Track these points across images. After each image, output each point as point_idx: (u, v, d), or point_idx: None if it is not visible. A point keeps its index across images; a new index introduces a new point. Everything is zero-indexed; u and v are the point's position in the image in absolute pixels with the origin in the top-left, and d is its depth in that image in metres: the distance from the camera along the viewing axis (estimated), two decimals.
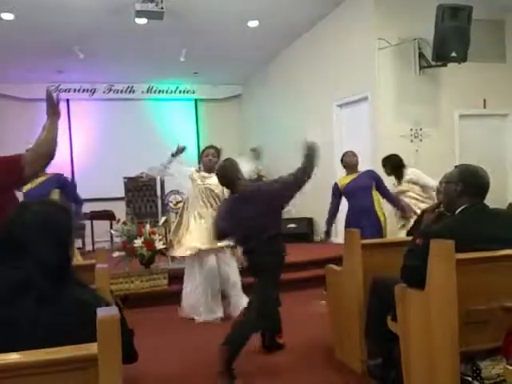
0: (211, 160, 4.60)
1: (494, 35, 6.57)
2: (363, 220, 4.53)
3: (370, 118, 6.38)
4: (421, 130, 6.23)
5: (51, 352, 1.18)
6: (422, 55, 6.11)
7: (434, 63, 5.99)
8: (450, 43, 5.65)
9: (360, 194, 4.77)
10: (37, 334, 1.28)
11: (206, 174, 4.67)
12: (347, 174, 4.93)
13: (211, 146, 4.73)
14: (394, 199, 4.87)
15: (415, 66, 6.17)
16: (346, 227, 4.63)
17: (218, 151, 4.70)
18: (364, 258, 3.08)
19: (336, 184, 4.94)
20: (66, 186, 4.75)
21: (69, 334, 1.29)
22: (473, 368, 2.23)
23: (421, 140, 6.23)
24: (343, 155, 5.02)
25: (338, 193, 4.89)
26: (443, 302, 2.21)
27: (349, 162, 4.89)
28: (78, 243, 8.16)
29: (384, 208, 4.91)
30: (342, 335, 3.32)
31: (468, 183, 2.44)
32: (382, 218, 4.79)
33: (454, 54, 5.68)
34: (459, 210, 2.44)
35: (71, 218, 1.53)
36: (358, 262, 3.07)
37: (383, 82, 6.17)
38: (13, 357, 1.16)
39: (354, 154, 4.92)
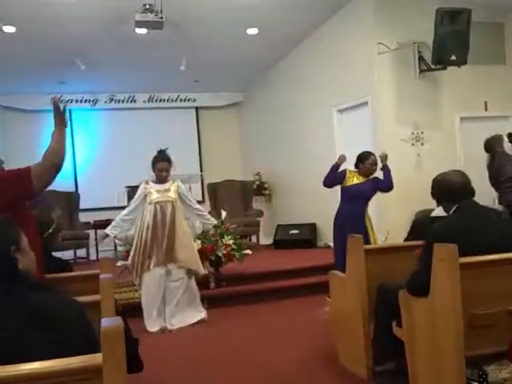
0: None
1: (494, 38, 6.58)
2: (352, 224, 4.54)
3: (370, 122, 6.38)
4: (422, 133, 6.23)
5: (54, 363, 1.17)
6: (421, 59, 6.12)
7: (433, 67, 6.00)
8: (449, 46, 5.66)
9: (358, 200, 4.78)
10: (4, 343, 1.28)
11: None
12: (358, 173, 4.82)
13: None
14: (386, 180, 4.84)
15: (415, 70, 6.17)
16: (334, 227, 4.80)
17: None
18: (367, 264, 3.07)
19: (345, 173, 4.81)
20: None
21: (37, 339, 1.29)
22: (479, 373, 2.22)
23: (422, 144, 6.22)
24: (365, 155, 4.81)
25: (339, 179, 4.80)
26: (448, 307, 2.20)
27: (370, 170, 4.78)
28: (82, 252, 8.18)
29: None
30: (347, 341, 3.30)
31: (437, 191, 2.60)
32: (370, 231, 4.83)
33: (453, 57, 5.69)
34: (451, 211, 2.50)
35: (9, 229, 1.55)
36: (362, 268, 3.06)
37: (383, 87, 6.18)
38: (12, 369, 1.16)
39: (376, 163, 4.80)
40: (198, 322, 4.62)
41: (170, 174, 4.72)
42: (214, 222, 4.82)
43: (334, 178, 4.83)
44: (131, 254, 4.62)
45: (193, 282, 4.69)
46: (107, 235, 4.65)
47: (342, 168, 4.90)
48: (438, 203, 2.63)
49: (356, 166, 4.86)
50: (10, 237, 1.53)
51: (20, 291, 1.39)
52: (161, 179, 4.63)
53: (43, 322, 1.32)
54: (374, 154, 4.85)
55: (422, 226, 3.10)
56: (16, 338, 1.28)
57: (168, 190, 4.62)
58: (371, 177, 4.86)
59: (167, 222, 4.54)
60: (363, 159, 4.80)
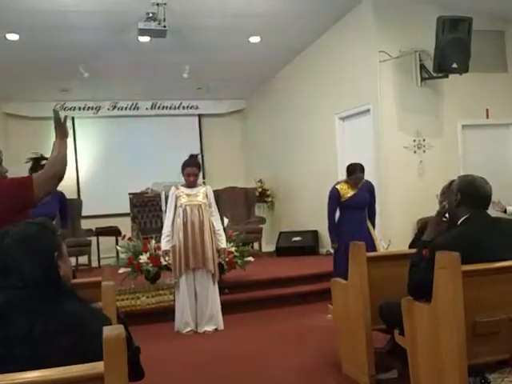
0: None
1: (495, 46, 6.60)
2: (356, 232, 4.57)
3: (372, 130, 6.39)
4: (424, 141, 6.24)
5: (56, 371, 1.18)
6: (423, 67, 6.14)
7: (435, 75, 6.01)
8: (450, 54, 5.68)
9: (359, 209, 4.84)
10: (31, 351, 1.28)
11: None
12: (348, 185, 4.86)
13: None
14: (373, 214, 4.96)
15: (417, 78, 6.19)
16: (338, 238, 4.79)
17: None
18: (370, 271, 3.07)
19: (337, 191, 4.84)
20: (65, 204, 4.76)
21: (64, 349, 1.28)
22: (481, 381, 2.21)
23: (424, 151, 6.23)
24: (352, 169, 4.84)
25: (337, 201, 4.84)
26: (450, 315, 2.19)
27: (358, 179, 4.79)
28: (84, 260, 8.19)
29: None
30: (349, 349, 3.29)
31: (465, 193, 2.47)
32: (372, 232, 4.87)
33: (455, 65, 5.70)
34: (461, 220, 2.45)
35: (52, 235, 1.52)
36: (364, 275, 3.06)
37: (385, 94, 6.20)
38: (14, 377, 1.16)
39: (362, 177, 4.81)
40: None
41: (197, 179, 4.78)
42: (223, 245, 4.81)
43: (333, 210, 4.89)
44: (171, 256, 4.70)
45: (216, 289, 4.77)
46: (167, 252, 4.69)
47: (330, 182, 4.98)
48: (457, 205, 2.50)
49: (348, 177, 4.88)
50: (54, 242, 1.49)
51: (60, 299, 1.38)
52: (189, 184, 4.71)
53: (78, 334, 1.32)
54: (361, 170, 4.80)
55: None
56: (48, 347, 1.28)
57: (197, 195, 4.70)
58: (363, 183, 4.89)
59: (196, 226, 4.63)
60: (350, 173, 4.83)
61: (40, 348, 1.28)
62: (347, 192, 4.83)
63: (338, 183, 4.97)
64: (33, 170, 3.96)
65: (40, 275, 1.40)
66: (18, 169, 4.11)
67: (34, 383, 1.16)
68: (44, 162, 3.96)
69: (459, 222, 2.46)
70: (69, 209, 4.89)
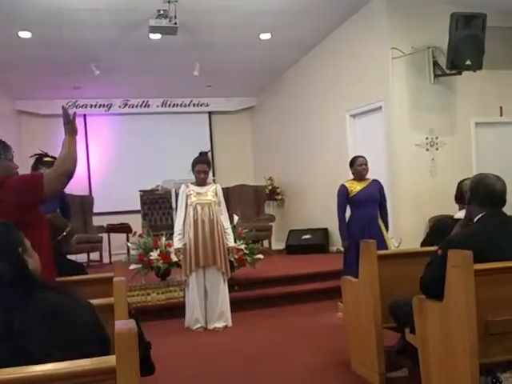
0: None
1: (509, 42, 6.51)
2: (366, 230, 4.57)
3: (384, 127, 6.35)
4: (437, 138, 6.19)
5: (67, 365, 1.18)
6: (436, 64, 6.08)
7: (448, 71, 5.95)
8: (464, 51, 5.62)
9: (369, 204, 4.80)
10: (12, 346, 1.28)
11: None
12: (356, 180, 4.88)
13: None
14: (385, 215, 4.93)
15: (429, 75, 6.13)
16: (348, 236, 4.76)
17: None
18: (380, 269, 3.05)
19: (345, 188, 4.86)
20: (66, 202, 4.72)
21: (46, 340, 1.29)
22: (493, 380, 2.19)
23: (437, 149, 6.18)
24: (353, 158, 4.95)
25: (346, 197, 4.84)
26: (462, 314, 2.17)
27: (361, 164, 4.83)
28: (95, 256, 8.25)
29: None
30: (359, 347, 3.28)
31: (474, 191, 2.45)
32: (383, 231, 4.83)
33: (468, 62, 5.64)
34: (476, 218, 2.43)
35: (13, 231, 1.54)
36: (375, 274, 3.05)
37: (397, 91, 6.15)
38: (25, 370, 1.17)
39: (365, 163, 4.86)
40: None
41: (207, 176, 4.76)
42: (231, 244, 4.80)
43: (343, 207, 4.90)
44: (182, 253, 4.69)
45: (226, 286, 4.76)
46: (179, 250, 4.67)
47: (340, 180, 5.04)
48: (468, 203, 2.49)
49: (353, 173, 4.94)
50: (17, 238, 1.52)
51: (33, 292, 1.39)
52: (199, 181, 4.70)
53: (57, 323, 1.33)
54: (361, 156, 4.93)
55: (444, 226, 3.06)
56: (30, 339, 1.29)
57: (207, 193, 4.69)
58: (371, 179, 4.90)
59: (206, 224, 4.62)
60: (352, 163, 4.93)
61: (21, 342, 1.28)
62: (355, 187, 4.84)
63: (346, 181, 5.00)
64: (35, 166, 3.98)
65: (8, 272, 1.40)
66: (30, 165, 4.15)
67: (44, 376, 1.16)
68: (47, 159, 3.98)
69: (474, 221, 2.44)
70: (70, 207, 4.83)
